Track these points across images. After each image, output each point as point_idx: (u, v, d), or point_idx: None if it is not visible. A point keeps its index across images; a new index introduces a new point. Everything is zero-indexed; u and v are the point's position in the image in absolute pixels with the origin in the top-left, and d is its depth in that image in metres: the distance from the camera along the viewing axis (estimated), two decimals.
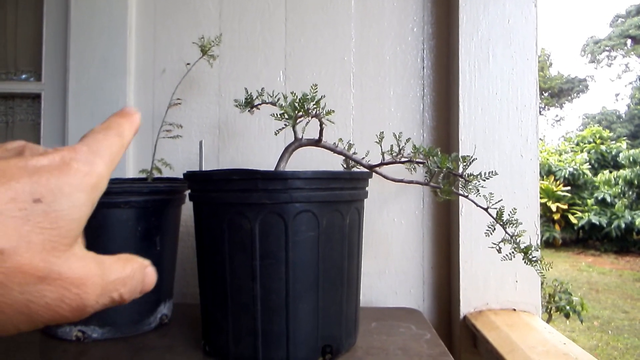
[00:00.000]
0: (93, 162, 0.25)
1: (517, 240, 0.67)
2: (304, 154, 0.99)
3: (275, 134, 0.66)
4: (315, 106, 0.61)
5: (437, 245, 1.03)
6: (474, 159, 0.65)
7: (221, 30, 1.07)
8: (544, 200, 9.75)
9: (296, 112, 0.59)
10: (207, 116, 1.07)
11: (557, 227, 9.98)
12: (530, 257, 0.67)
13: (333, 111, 0.63)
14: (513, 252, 0.67)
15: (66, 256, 0.22)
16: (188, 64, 0.95)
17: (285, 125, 0.61)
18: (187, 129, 1.06)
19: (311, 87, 0.62)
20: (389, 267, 1.03)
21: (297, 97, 0.60)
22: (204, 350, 0.71)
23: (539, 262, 0.67)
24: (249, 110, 0.77)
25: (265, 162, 1.04)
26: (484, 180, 0.64)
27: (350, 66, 1.05)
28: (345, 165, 0.83)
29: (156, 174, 0.92)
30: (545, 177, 10.40)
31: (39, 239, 0.21)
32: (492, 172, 0.64)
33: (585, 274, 7.74)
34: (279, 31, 1.07)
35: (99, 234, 0.73)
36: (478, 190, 0.64)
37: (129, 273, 0.26)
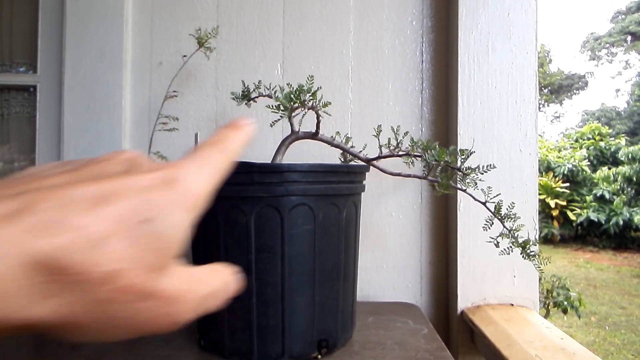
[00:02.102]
0: (196, 181, 0.25)
1: (515, 235, 0.67)
2: (301, 147, 0.98)
3: (271, 126, 0.66)
4: (311, 98, 0.60)
5: (435, 240, 1.03)
6: (472, 152, 0.64)
7: (218, 23, 1.06)
8: (542, 197, 9.76)
9: (292, 103, 0.58)
10: (204, 109, 1.06)
11: (555, 223, 10.00)
12: (529, 251, 0.66)
13: (329, 103, 0.63)
14: (511, 247, 0.67)
15: (166, 275, 0.23)
16: (185, 56, 0.94)
17: (280, 117, 0.61)
18: (184, 122, 1.05)
19: (307, 78, 0.62)
20: (387, 262, 1.03)
21: (293, 88, 0.60)
22: (199, 344, 0.70)
23: (537, 256, 0.67)
24: (245, 103, 0.76)
25: (263, 155, 1.03)
26: (482, 174, 0.64)
27: (349, 59, 1.04)
28: (342, 159, 0.82)
29: None
30: (544, 173, 10.40)
31: (146, 260, 0.22)
32: (490, 165, 0.64)
33: (583, 270, 7.76)
34: (277, 24, 1.06)
35: None
36: (476, 184, 0.63)
37: (220, 285, 0.26)
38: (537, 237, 0.91)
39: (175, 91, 0.93)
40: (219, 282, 0.26)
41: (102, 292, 0.21)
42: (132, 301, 0.22)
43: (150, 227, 0.22)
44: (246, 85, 0.75)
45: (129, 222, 0.22)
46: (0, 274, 0.19)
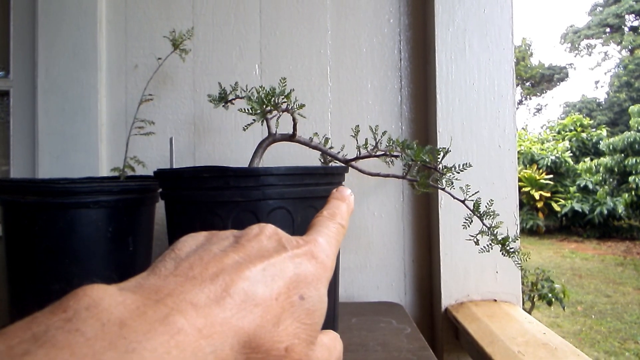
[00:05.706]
0: (328, 255, 0.28)
1: (495, 232, 0.67)
2: (282, 150, 0.97)
3: (244, 129, 0.65)
4: (285, 100, 0.59)
5: (418, 238, 1.03)
6: (448, 151, 0.64)
7: (194, 24, 1.04)
8: (527, 189, 9.87)
9: (264, 106, 0.58)
10: (182, 112, 1.05)
11: (540, 215, 10.12)
12: (508, 248, 0.66)
13: (304, 105, 0.62)
14: (491, 244, 0.67)
15: (315, 347, 0.25)
16: (159, 58, 0.92)
17: (253, 120, 0.60)
18: (162, 125, 1.04)
19: (280, 80, 0.61)
20: (370, 261, 1.02)
21: (265, 90, 0.59)
22: None
23: (516, 252, 0.67)
24: (223, 106, 0.75)
25: (243, 157, 1.02)
26: (458, 173, 0.63)
27: (327, 59, 1.04)
28: (322, 160, 0.81)
29: (129, 172, 0.89)
30: (528, 165, 10.52)
31: (304, 334, 0.24)
32: (467, 163, 0.63)
33: (568, 260, 7.88)
34: (254, 24, 1.04)
35: (68, 236, 0.71)
36: (452, 183, 0.63)
37: (339, 347, 0.29)
38: (517, 232, 0.91)
39: (150, 94, 0.91)
40: (340, 347, 0.29)
41: None
42: None
43: (304, 303, 0.25)
44: (223, 87, 0.74)
45: (290, 299, 0.24)
46: (221, 353, 0.21)
